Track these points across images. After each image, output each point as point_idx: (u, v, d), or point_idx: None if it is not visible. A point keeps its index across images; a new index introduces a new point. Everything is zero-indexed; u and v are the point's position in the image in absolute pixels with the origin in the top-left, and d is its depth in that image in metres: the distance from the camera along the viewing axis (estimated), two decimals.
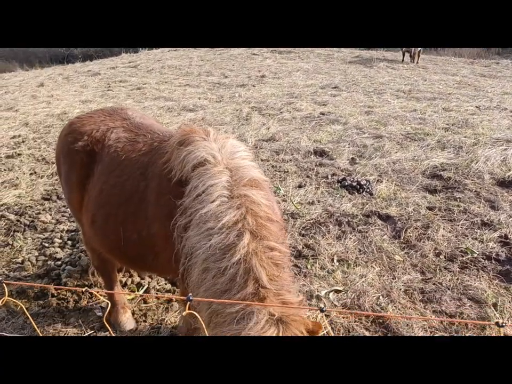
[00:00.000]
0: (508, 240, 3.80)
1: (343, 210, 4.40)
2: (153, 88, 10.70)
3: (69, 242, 3.93)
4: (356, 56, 15.63)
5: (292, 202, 4.59)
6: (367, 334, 2.83)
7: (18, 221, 4.30)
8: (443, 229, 4.01)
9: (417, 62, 14.24)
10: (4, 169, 5.71)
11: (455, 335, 2.80)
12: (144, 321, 3.04)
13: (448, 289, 3.24)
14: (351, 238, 3.91)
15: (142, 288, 3.35)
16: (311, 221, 4.21)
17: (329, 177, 5.22)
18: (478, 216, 4.21)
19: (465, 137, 6.42)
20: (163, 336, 2.86)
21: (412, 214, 4.30)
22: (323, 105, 8.65)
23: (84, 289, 1.02)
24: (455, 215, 4.26)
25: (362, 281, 3.34)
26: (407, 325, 2.90)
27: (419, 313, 3.00)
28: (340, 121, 7.42)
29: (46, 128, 7.49)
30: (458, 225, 4.08)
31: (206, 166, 2.00)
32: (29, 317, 1.33)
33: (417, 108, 8.18)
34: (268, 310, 1.55)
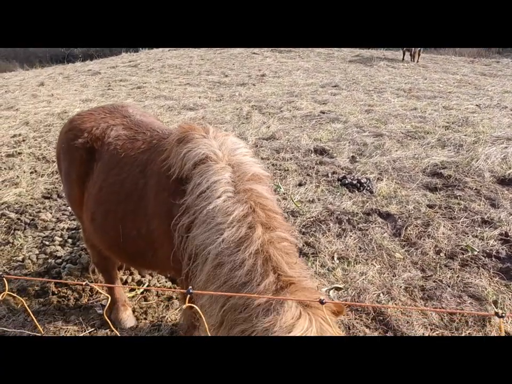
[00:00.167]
0: (508, 238, 3.80)
1: (344, 209, 4.40)
2: (153, 87, 10.70)
3: (69, 240, 3.93)
4: (356, 55, 15.62)
5: (292, 201, 4.59)
6: (367, 331, 2.83)
7: (18, 219, 4.31)
8: (443, 226, 4.01)
9: (417, 61, 14.23)
10: (5, 168, 5.72)
11: (456, 333, 2.80)
12: (145, 318, 3.05)
13: (449, 286, 3.24)
14: (351, 236, 3.91)
15: (142, 286, 3.36)
16: (312, 219, 4.21)
17: (330, 175, 5.22)
18: (479, 214, 4.21)
19: (465, 135, 6.41)
20: (165, 336, 2.86)
21: (412, 212, 4.30)
22: (323, 103, 8.65)
23: (84, 283, 1.02)
24: (456, 213, 4.26)
25: (363, 279, 3.34)
26: (408, 322, 2.90)
27: (419, 311, 3.00)
28: (340, 119, 7.41)
29: (47, 127, 7.49)
30: (459, 223, 4.08)
31: (208, 163, 2.00)
32: (30, 313, 1.33)
33: (417, 107, 8.18)
34: (293, 297, 1.55)
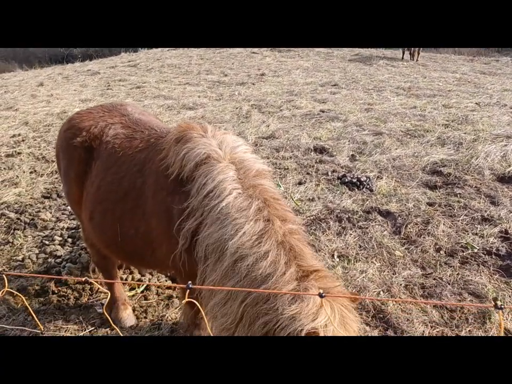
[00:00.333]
0: (508, 235, 3.80)
1: (343, 207, 4.39)
2: (152, 86, 10.70)
3: (69, 240, 3.93)
4: (356, 54, 15.62)
5: (292, 199, 4.59)
6: (367, 329, 2.83)
7: (18, 219, 4.31)
8: (443, 224, 4.01)
9: (417, 60, 14.23)
10: (4, 168, 5.71)
11: (456, 331, 2.80)
12: (145, 317, 3.04)
13: (449, 284, 3.24)
14: (351, 234, 3.91)
15: (142, 285, 3.35)
16: (312, 218, 4.21)
17: (329, 174, 5.22)
18: (478, 211, 4.21)
19: (465, 133, 6.41)
20: (165, 336, 2.86)
21: (412, 209, 4.30)
22: (323, 102, 8.65)
23: (83, 279, 1.02)
24: (455, 210, 4.26)
25: (363, 277, 3.34)
26: (408, 320, 2.90)
27: (419, 308, 3.00)
28: (340, 118, 7.41)
29: (46, 127, 7.49)
30: (459, 221, 4.08)
31: (210, 163, 2.00)
32: (30, 310, 1.33)
33: (417, 105, 8.18)
34: (315, 285, 1.56)
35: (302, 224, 2.08)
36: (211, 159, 2.01)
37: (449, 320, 2.89)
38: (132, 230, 2.32)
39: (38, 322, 1.30)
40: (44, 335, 2.78)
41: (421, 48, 14.55)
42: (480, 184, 4.79)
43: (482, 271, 3.38)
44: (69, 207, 4.35)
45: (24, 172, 5.57)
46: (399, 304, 3.04)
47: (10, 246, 3.90)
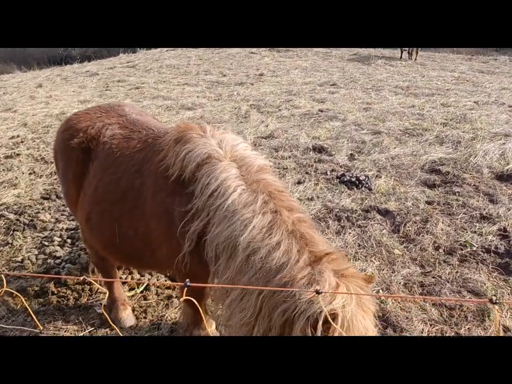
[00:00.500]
0: (506, 233, 3.81)
1: (342, 206, 4.40)
2: (151, 87, 10.70)
3: (69, 240, 3.93)
4: (354, 53, 15.63)
5: None
6: None
7: (17, 220, 4.31)
8: (442, 222, 4.01)
9: (415, 59, 14.24)
10: (3, 169, 5.71)
11: (455, 328, 2.81)
12: (145, 317, 3.04)
13: (448, 282, 3.25)
14: (350, 233, 3.92)
15: (142, 285, 3.36)
16: (311, 217, 4.21)
17: (328, 173, 5.22)
18: (477, 209, 4.22)
19: (463, 132, 6.42)
20: (164, 336, 2.87)
21: (411, 208, 4.31)
22: (321, 102, 8.65)
23: (81, 278, 1.02)
24: (454, 209, 4.27)
25: None
26: (407, 318, 2.90)
27: (418, 306, 3.01)
28: (339, 117, 7.42)
29: (45, 128, 7.49)
30: (457, 219, 4.09)
31: (212, 162, 2.00)
32: (28, 309, 1.33)
33: (415, 104, 8.19)
34: (329, 268, 1.59)
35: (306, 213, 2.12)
36: (212, 158, 2.01)
37: (448, 318, 2.90)
38: (130, 230, 2.32)
39: (37, 323, 1.31)
40: (43, 335, 2.78)
41: (419, 48, 14.56)
42: (479, 182, 4.80)
43: (481, 269, 3.38)
44: (68, 208, 4.35)
45: (23, 173, 5.57)
46: (398, 302, 3.05)
47: (10, 247, 3.90)
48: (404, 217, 4.12)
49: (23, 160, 6.06)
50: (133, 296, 3.27)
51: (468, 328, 2.79)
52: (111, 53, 20.34)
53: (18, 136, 7.07)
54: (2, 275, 1.10)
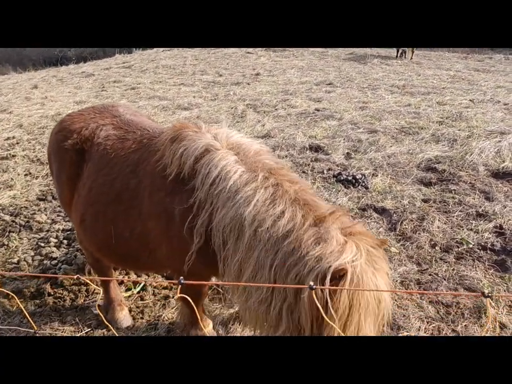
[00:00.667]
0: (502, 230, 3.82)
1: (339, 204, 4.40)
2: (147, 87, 10.67)
3: (65, 241, 3.92)
4: (350, 53, 15.65)
5: None
6: None
7: (13, 221, 4.29)
8: (438, 220, 4.02)
9: (411, 58, 14.28)
10: None
11: (452, 326, 2.81)
12: (141, 318, 3.04)
13: (444, 279, 3.26)
14: None
15: (138, 286, 3.35)
16: None
17: (325, 172, 5.23)
18: (473, 207, 4.23)
19: (459, 130, 6.44)
20: (161, 336, 2.86)
21: (407, 206, 4.32)
22: (318, 101, 8.66)
23: (75, 276, 1.02)
24: (450, 206, 4.28)
25: None
26: (404, 315, 2.91)
27: (415, 304, 3.01)
28: (335, 117, 7.43)
29: (40, 130, 7.46)
30: (454, 217, 4.10)
31: (210, 153, 2.02)
32: (24, 312, 1.32)
33: (411, 103, 8.21)
34: (334, 226, 1.61)
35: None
36: (210, 149, 2.04)
37: (445, 315, 2.90)
38: (126, 231, 2.30)
39: (33, 324, 1.30)
40: (40, 335, 2.77)
41: (415, 47, 14.60)
42: (475, 180, 4.81)
43: (478, 266, 3.39)
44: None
45: (19, 175, 5.54)
46: (395, 300, 3.05)
47: (6, 249, 3.88)
48: (400, 215, 4.13)
49: (19, 161, 6.04)
50: (129, 296, 3.26)
51: (465, 325, 2.80)
52: (107, 53, 20.31)
53: (13, 137, 7.04)
54: None
